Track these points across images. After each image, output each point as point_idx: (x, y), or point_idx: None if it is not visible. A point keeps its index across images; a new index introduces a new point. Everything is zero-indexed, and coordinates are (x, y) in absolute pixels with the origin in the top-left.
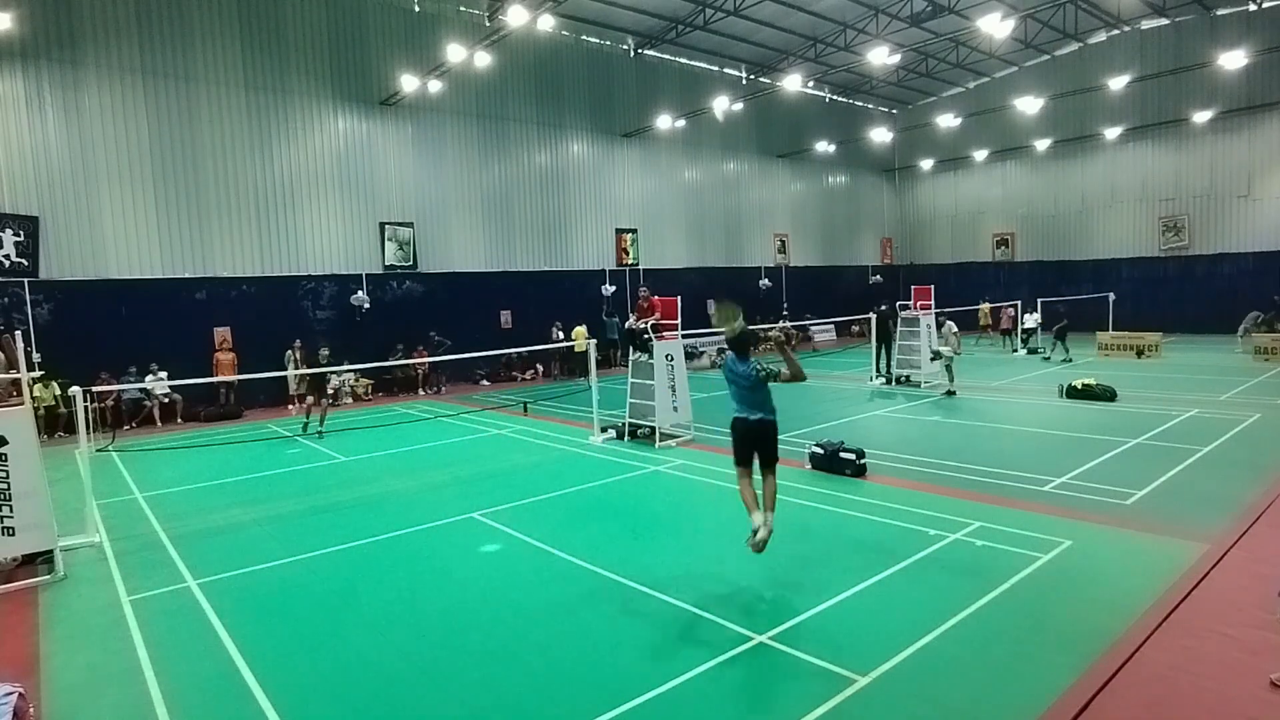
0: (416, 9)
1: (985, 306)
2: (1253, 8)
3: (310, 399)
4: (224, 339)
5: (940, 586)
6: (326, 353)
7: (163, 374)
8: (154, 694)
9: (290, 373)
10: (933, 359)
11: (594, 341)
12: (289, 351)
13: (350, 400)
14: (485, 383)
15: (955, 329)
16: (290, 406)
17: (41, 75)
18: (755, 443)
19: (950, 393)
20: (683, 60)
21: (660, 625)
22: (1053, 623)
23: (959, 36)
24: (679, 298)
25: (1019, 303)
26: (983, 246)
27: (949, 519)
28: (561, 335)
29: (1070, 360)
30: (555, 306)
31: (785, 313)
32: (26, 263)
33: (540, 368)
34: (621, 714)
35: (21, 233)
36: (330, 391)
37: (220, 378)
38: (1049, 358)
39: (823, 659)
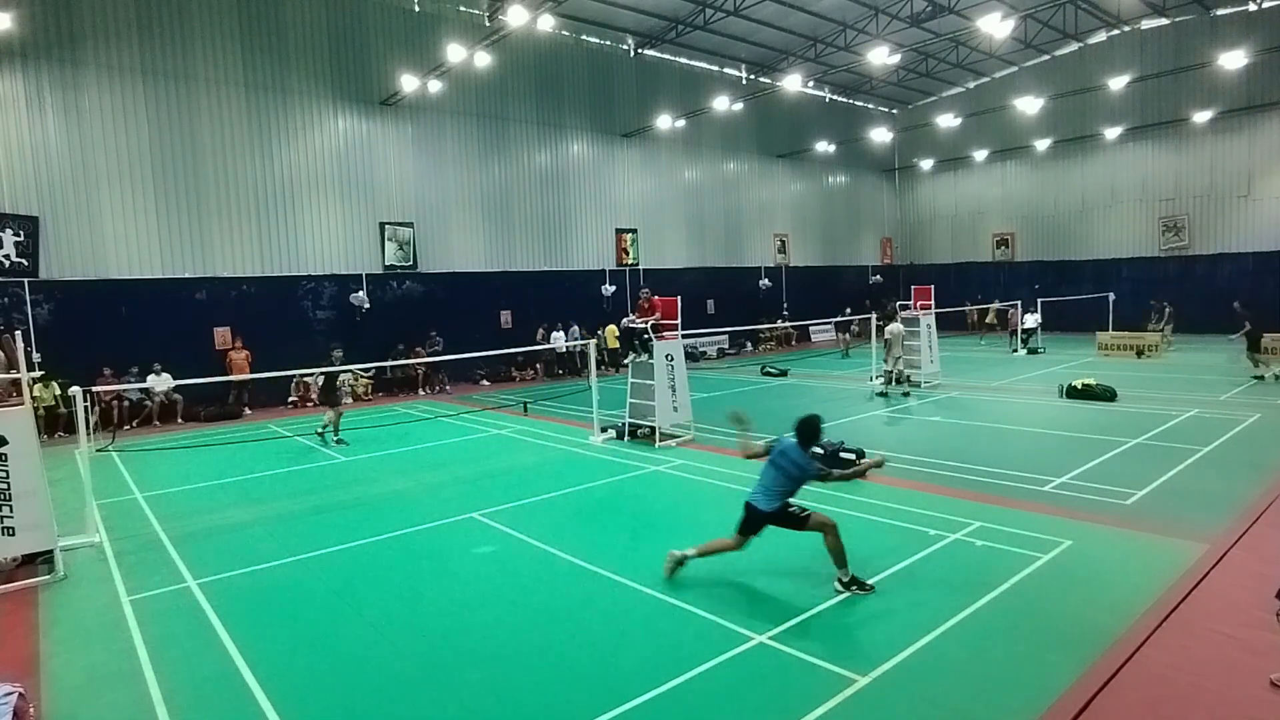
0: (416, 9)
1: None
2: (1253, 8)
3: (330, 408)
4: (225, 338)
5: (941, 586)
6: (340, 354)
7: (166, 374)
8: (154, 694)
9: (302, 372)
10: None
11: (594, 342)
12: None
13: (350, 400)
14: (485, 383)
15: (898, 329)
16: (288, 406)
17: (41, 75)
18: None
19: (900, 392)
20: (683, 60)
21: (660, 625)
22: (1053, 623)
23: (959, 36)
24: (679, 298)
25: (1019, 303)
26: (983, 246)
27: (949, 519)
28: (559, 336)
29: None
30: (555, 306)
31: (785, 312)
32: (26, 263)
33: (539, 367)
34: (621, 714)
35: (21, 233)
36: (339, 387)
37: (237, 376)
38: (1264, 375)
39: (823, 659)
